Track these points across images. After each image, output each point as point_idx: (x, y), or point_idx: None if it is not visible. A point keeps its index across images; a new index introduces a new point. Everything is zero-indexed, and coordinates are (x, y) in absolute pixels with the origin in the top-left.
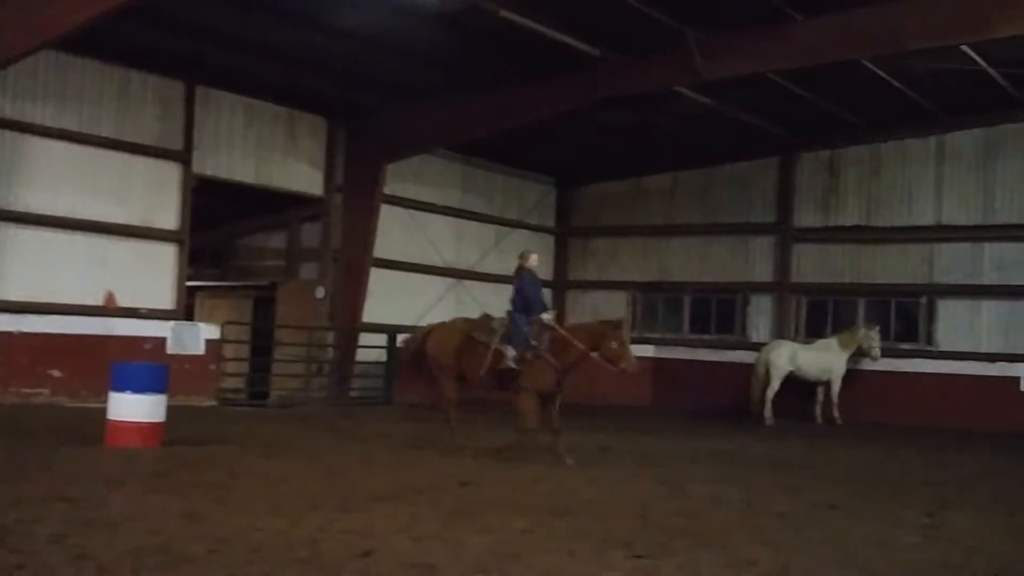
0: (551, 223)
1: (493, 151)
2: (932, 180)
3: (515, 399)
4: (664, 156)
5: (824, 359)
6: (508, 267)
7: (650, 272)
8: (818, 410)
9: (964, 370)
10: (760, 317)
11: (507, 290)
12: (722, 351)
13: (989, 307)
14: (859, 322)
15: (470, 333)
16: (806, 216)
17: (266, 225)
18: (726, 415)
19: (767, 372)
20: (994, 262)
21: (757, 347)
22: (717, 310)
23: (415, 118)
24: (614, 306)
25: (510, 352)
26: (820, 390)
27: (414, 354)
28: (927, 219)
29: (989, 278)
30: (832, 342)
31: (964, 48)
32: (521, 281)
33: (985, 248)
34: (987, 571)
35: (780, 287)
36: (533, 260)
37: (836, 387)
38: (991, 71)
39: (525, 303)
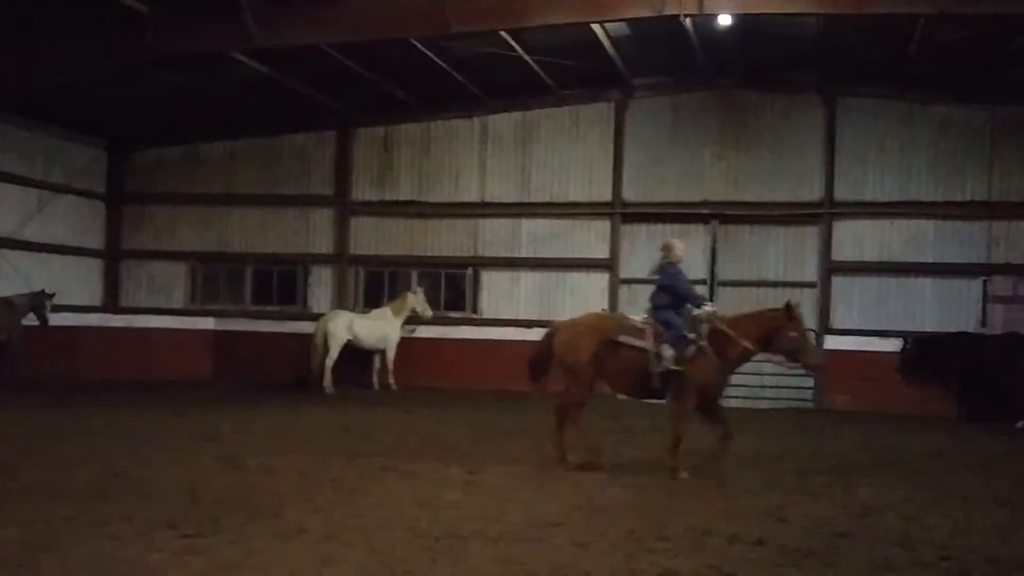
0: (102, 188)
1: (33, 108)
2: (477, 159)
3: (672, 404)
4: (223, 123)
5: (380, 327)
6: (53, 235)
7: (211, 242)
8: (375, 377)
9: (505, 336)
10: (321, 288)
11: (53, 260)
12: (284, 322)
13: (526, 278)
14: (411, 288)
15: (611, 336)
16: (363, 190)
17: None
18: (288, 385)
19: (326, 342)
20: (530, 236)
21: (319, 318)
22: (279, 281)
23: None
24: (173, 277)
25: (667, 353)
26: (376, 358)
27: (540, 356)
28: (472, 196)
29: (526, 251)
30: (386, 311)
31: (504, 35)
32: (668, 277)
33: (522, 223)
34: (521, 522)
35: (340, 259)
36: (679, 250)
37: (391, 354)
38: (527, 58)
39: (676, 299)
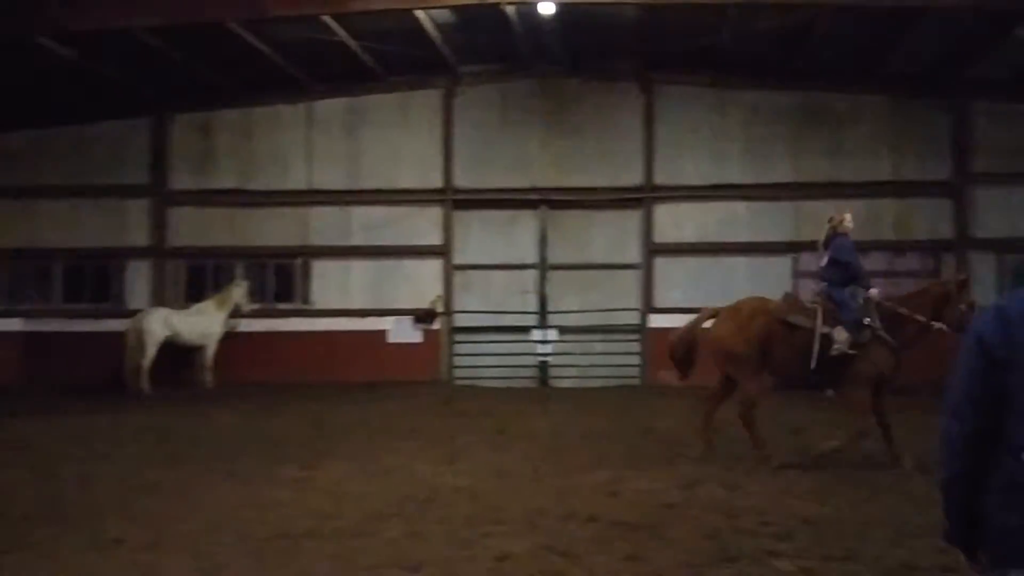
0: None
1: None
2: (303, 146)
3: (848, 392)
4: (26, 111)
5: (201, 323)
6: None
7: (15, 239)
8: (200, 375)
9: (338, 326)
10: (138, 283)
11: None
12: (98, 320)
13: (358, 266)
14: (236, 281)
15: (781, 317)
16: (182, 179)
17: None
18: (104, 388)
19: (141, 340)
20: (361, 224)
21: (136, 315)
22: (92, 277)
23: None
24: None
25: (842, 335)
26: (199, 355)
27: (686, 344)
28: (300, 183)
29: (357, 239)
30: (209, 305)
31: (328, 20)
32: (837, 250)
33: (353, 211)
34: (355, 516)
35: (158, 252)
36: (848, 222)
37: (212, 350)
38: (352, 44)
39: (847, 274)
